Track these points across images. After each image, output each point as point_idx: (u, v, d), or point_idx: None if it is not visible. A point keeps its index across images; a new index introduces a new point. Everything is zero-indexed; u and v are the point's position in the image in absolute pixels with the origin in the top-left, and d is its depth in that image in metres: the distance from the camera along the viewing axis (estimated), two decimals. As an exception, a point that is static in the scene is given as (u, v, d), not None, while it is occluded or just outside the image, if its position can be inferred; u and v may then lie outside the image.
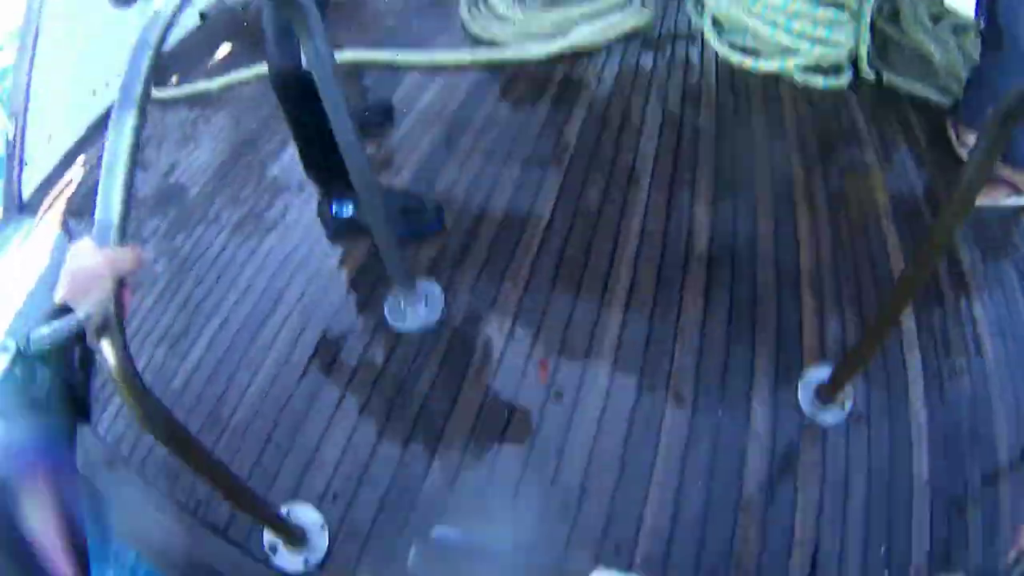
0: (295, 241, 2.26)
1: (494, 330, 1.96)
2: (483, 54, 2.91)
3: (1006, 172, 2.26)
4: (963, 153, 2.47)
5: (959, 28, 3.10)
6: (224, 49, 3.45)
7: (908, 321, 2.05)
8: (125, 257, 0.83)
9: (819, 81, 2.91)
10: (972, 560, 1.78)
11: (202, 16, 3.79)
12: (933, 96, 2.88)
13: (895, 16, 3.18)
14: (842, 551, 1.69)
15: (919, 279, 1.47)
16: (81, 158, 2.89)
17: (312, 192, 2.33)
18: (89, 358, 0.87)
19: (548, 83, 2.82)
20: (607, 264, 2.11)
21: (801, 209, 2.35)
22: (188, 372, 1.95)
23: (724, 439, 1.78)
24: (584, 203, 2.29)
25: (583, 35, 2.95)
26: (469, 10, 3.27)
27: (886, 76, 2.99)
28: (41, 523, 0.65)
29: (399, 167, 2.46)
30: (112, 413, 1.88)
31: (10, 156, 2.83)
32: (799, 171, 2.50)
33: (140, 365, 1.91)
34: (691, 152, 2.52)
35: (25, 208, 2.80)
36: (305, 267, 2.17)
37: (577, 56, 2.96)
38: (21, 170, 2.82)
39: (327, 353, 1.94)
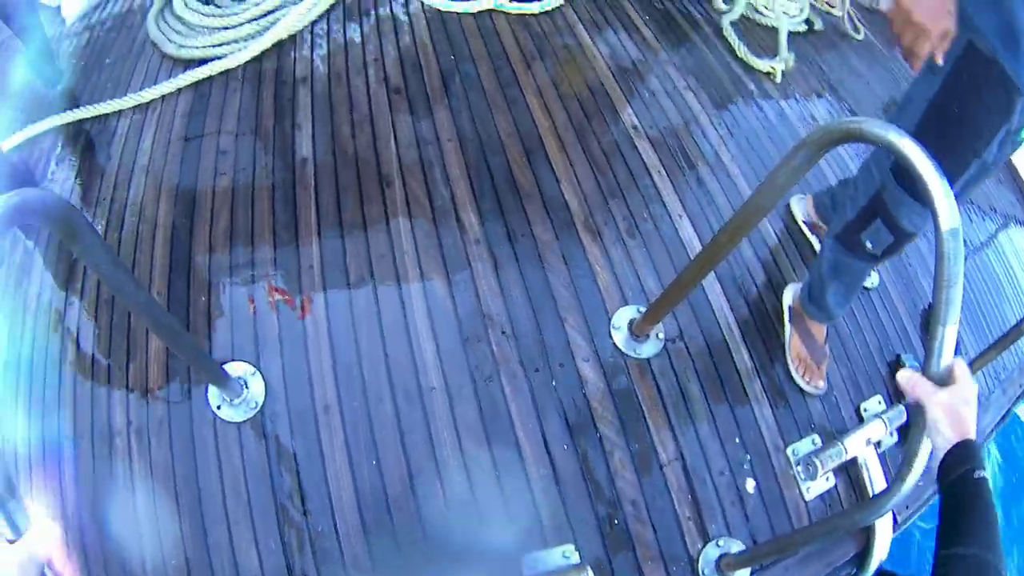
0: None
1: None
2: (187, 77, 2.93)
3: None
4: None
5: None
6: None
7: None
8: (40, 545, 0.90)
9: (534, 7, 3.26)
10: (816, 420, 2.28)
11: None
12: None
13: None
14: (704, 453, 2.17)
15: (727, 248, 1.78)
16: None
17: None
18: None
19: (262, 88, 2.91)
20: (389, 256, 2.34)
21: (552, 149, 2.68)
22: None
23: (564, 398, 2.16)
24: (344, 212, 2.46)
25: (287, 26, 3.05)
26: (159, 28, 3.26)
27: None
28: None
29: (147, 234, 2.50)
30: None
31: None
32: (536, 107, 2.83)
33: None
34: (427, 120, 2.75)
35: None
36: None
37: (282, 46, 3.07)
38: None
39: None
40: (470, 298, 2.28)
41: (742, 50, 3.31)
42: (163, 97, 2.91)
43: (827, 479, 2.21)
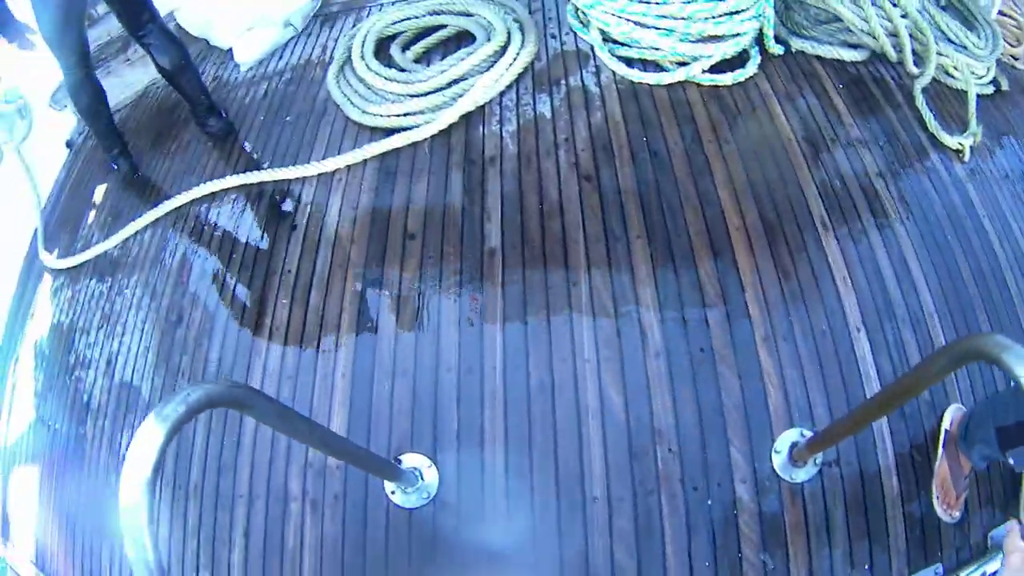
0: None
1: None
2: (374, 148, 3.63)
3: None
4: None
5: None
6: (101, 190, 4.40)
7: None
8: None
9: (727, 79, 3.81)
10: (944, 548, 2.74)
11: (68, 145, 4.87)
12: (846, 55, 3.95)
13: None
14: None
15: (906, 397, 2.14)
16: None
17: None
18: None
19: (450, 167, 3.60)
20: (570, 362, 2.94)
21: (740, 251, 3.19)
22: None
23: (715, 517, 2.67)
24: (530, 311, 3.07)
25: (475, 97, 3.71)
26: (340, 88, 4.06)
27: (795, 44, 4.01)
28: None
29: (332, 316, 3.22)
30: None
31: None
32: (727, 200, 3.34)
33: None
34: (616, 212, 3.32)
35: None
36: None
37: (470, 118, 3.76)
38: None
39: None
40: (644, 413, 2.79)
41: (932, 124, 3.71)
42: (348, 167, 3.65)
43: None
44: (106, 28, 5.26)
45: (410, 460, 2.82)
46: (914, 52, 3.97)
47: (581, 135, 3.65)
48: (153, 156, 4.57)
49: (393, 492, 2.77)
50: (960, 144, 3.71)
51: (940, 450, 2.78)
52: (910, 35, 3.91)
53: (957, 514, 2.73)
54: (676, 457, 2.76)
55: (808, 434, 2.73)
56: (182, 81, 4.14)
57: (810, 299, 3.08)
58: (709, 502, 2.70)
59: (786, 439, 2.78)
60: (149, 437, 1.43)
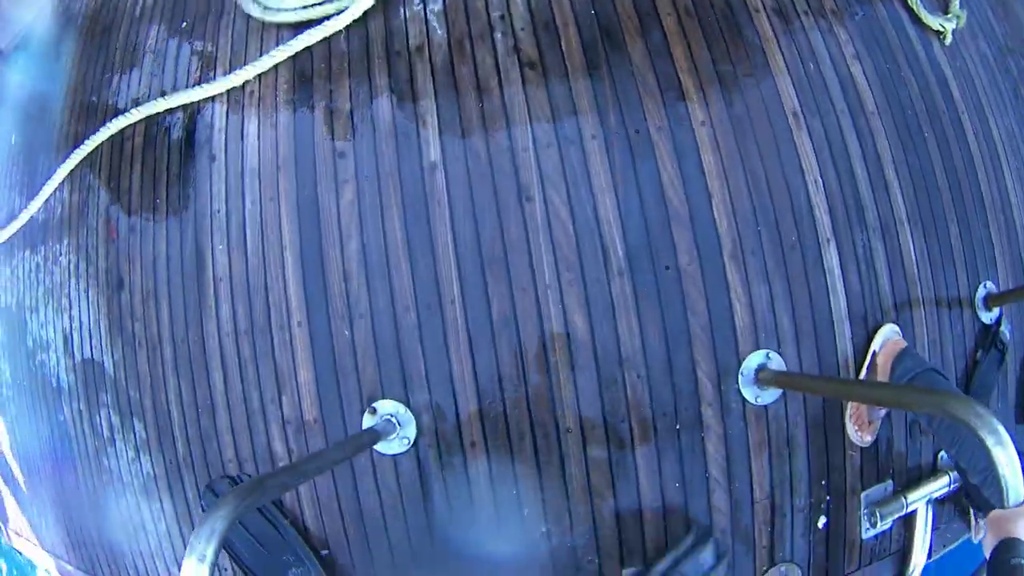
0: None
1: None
2: (283, 52, 3.74)
3: None
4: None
5: None
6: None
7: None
8: None
9: None
10: (896, 465, 3.47)
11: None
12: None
13: None
14: (792, 492, 3.33)
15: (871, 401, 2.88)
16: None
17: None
18: None
19: (372, 64, 3.71)
20: (531, 291, 3.35)
21: (707, 154, 3.45)
22: None
23: (684, 441, 3.26)
24: (483, 234, 3.41)
25: None
26: None
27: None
28: None
29: (275, 258, 3.57)
30: None
31: None
32: (691, 89, 3.52)
33: None
34: (567, 107, 3.49)
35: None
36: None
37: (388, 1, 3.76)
38: None
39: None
40: (611, 340, 3.23)
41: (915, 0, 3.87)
42: (259, 77, 3.79)
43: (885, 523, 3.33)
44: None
45: (384, 407, 3.31)
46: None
47: (519, 9, 3.68)
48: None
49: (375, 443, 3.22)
50: (943, 27, 3.99)
51: (864, 372, 3.37)
52: None
53: (869, 439, 3.39)
54: (644, 383, 3.26)
55: (774, 356, 3.27)
56: None
57: (780, 210, 3.44)
58: (677, 427, 3.25)
59: (753, 360, 3.30)
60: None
